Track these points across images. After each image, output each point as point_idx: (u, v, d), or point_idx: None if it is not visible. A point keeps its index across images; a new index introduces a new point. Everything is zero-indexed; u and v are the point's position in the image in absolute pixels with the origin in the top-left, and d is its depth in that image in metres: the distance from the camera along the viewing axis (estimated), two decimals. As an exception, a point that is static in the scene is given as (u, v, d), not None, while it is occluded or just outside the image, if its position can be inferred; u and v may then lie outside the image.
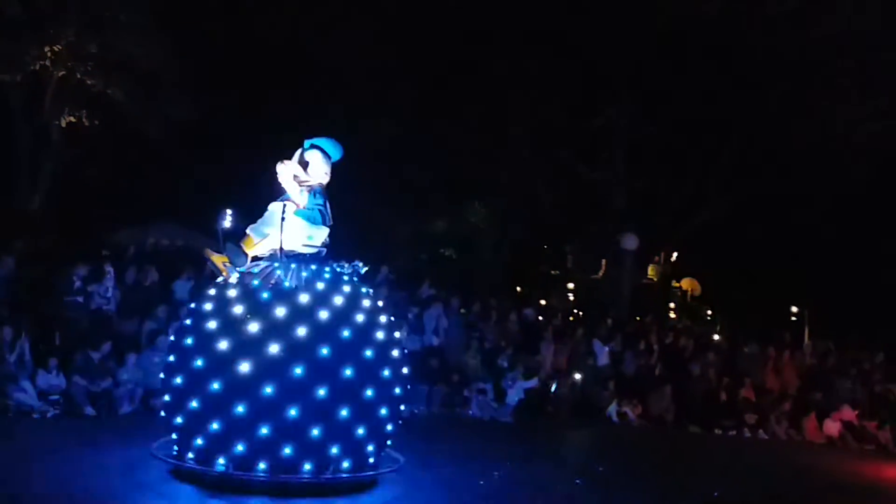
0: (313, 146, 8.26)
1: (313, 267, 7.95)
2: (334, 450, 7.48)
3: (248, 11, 17.75)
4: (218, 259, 8.17)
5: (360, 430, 7.62)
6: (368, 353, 7.70)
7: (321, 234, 8.12)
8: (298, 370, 7.33)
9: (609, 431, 13.63)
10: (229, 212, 8.03)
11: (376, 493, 7.89)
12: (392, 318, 8.39)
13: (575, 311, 20.15)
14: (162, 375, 8.17)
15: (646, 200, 20.20)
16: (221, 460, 7.37)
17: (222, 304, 7.69)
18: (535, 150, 19.85)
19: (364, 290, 8.15)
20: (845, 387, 15.32)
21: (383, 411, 7.81)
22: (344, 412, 7.46)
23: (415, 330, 14.39)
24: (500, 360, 14.52)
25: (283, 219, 7.92)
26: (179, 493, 7.43)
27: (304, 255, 8.03)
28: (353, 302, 7.84)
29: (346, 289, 7.91)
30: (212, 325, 7.61)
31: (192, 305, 8.17)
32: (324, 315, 7.59)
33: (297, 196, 8.11)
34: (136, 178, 18.21)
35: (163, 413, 8.03)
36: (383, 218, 19.79)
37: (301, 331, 7.44)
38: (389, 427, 8.05)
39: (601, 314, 17.57)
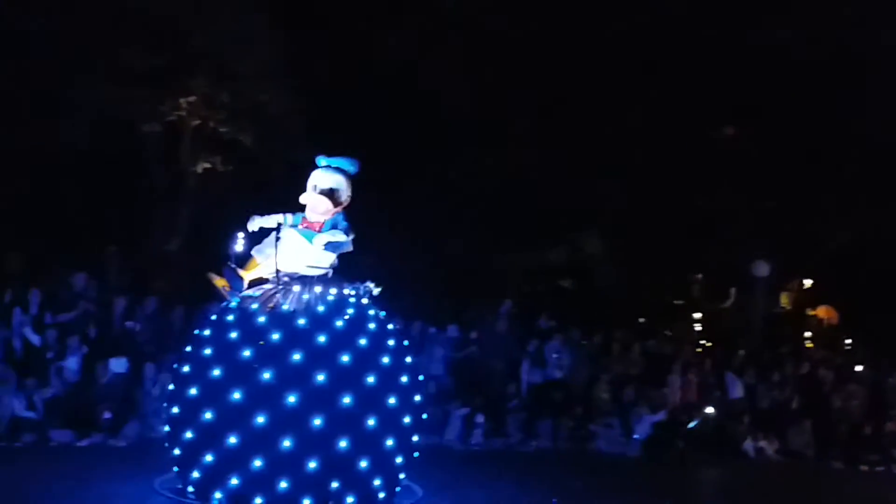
0: (331, 168, 8.02)
1: (318, 289, 7.58)
2: (334, 484, 7.09)
3: (368, 51, 18.30)
4: (219, 283, 7.94)
5: (363, 463, 7.20)
6: (370, 379, 7.29)
7: (329, 256, 7.78)
8: (292, 398, 6.98)
9: (745, 467, 13.02)
10: (241, 235, 8.01)
11: None
12: (403, 343, 7.94)
13: (702, 341, 19.45)
14: (164, 405, 8.10)
15: (777, 225, 19.37)
16: (218, 495, 7.12)
17: (219, 329, 7.49)
18: (652, 176, 19.44)
19: (372, 312, 7.76)
20: None
21: (389, 442, 7.39)
22: (343, 443, 7.07)
23: (536, 363, 14.28)
24: (625, 393, 14.17)
25: (277, 239, 7.64)
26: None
27: (309, 276, 7.69)
28: (356, 326, 7.46)
29: (350, 311, 7.52)
30: (207, 351, 7.40)
31: (195, 331, 7.95)
32: (321, 339, 7.23)
33: (316, 213, 7.82)
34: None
35: (165, 444, 7.85)
36: (501, 250, 19.80)
37: (296, 356, 7.11)
38: (399, 459, 7.59)
39: (732, 345, 16.88)
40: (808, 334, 21.83)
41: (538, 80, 18.40)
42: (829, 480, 12.58)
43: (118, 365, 11.70)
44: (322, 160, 8.10)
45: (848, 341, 22.47)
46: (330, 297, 7.58)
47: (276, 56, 16.96)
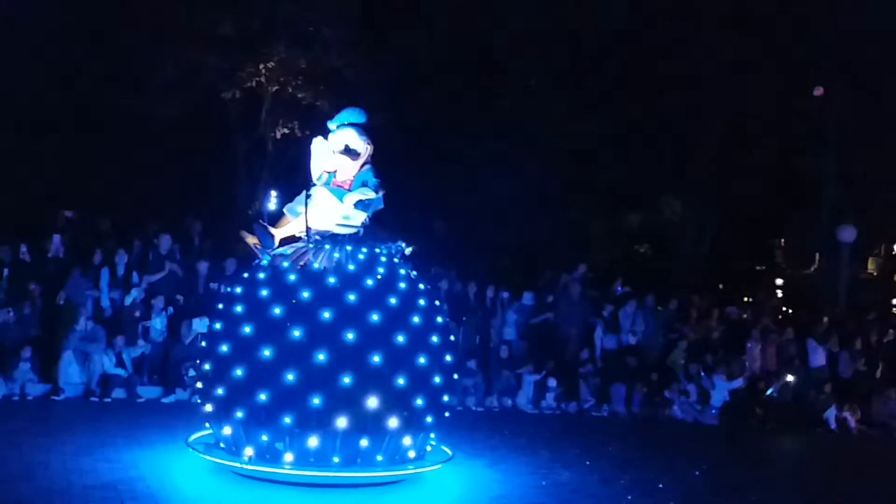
0: (341, 126, 7.97)
1: (349, 248, 7.58)
2: (364, 442, 7.14)
3: (443, 21, 18.23)
4: (251, 240, 7.99)
5: (393, 422, 7.18)
6: (401, 338, 7.24)
7: (360, 215, 7.78)
8: (322, 356, 6.98)
9: (825, 438, 12.71)
10: (274, 193, 8.00)
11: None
12: (435, 303, 7.89)
13: (784, 308, 18.95)
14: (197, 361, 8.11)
15: (864, 188, 18.60)
16: (249, 450, 7.22)
17: (251, 287, 7.50)
18: (738, 138, 18.90)
19: (403, 272, 7.73)
20: None
21: (419, 401, 7.33)
22: (372, 402, 7.05)
23: (611, 328, 14.18)
24: (702, 360, 13.95)
25: (307, 197, 7.64)
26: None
27: (340, 235, 7.69)
28: (387, 285, 7.43)
29: (381, 270, 7.49)
30: (238, 308, 7.43)
31: (227, 289, 7.99)
32: (351, 297, 7.19)
33: (344, 172, 7.82)
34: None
35: (198, 400, 7.93)
36: (577, 215, 19.61)
37: (326, 314, 7.09)
38: (428, 419, 7.54)
39: (815, 312, 16.39)
40: (895, 301, 21.05)
41: (625, 42, 18.04)
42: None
43: (201, 325, 12.12)
44: (331, 123, 8.11)
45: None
46: (361, 256, 7.57)
47: (352, 21, 17.06)
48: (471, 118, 17.84)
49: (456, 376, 8.25)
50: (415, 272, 7.95)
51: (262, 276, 7.55)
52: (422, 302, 7.66)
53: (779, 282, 22.27)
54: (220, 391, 7.34)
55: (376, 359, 7.11)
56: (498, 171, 17.67)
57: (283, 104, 17.42)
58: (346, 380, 7.02)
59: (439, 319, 7.87)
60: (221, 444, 7.56)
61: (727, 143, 19.06)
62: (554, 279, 14.82)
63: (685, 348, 14.07)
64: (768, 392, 13.44)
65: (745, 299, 18.86)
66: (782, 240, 23.76)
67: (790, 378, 13.71)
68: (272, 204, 8.03)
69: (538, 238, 18.11)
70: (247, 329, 7.25)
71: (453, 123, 18.14)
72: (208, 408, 7.57)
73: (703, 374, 13.57)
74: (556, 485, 8.03)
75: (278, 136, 17.61)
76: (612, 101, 18.09)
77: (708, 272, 20.18)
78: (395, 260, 7.84)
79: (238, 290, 7.63)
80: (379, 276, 7.49)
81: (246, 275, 7.79)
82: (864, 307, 17.63)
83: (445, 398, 7.85)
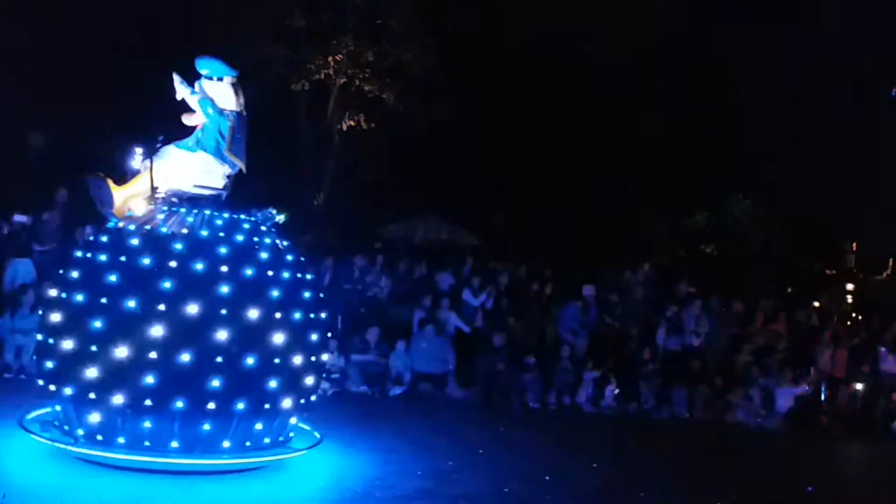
0: (208, 77, 7.28)
1: (207, 212, 6.92)
2: (206, 426, 6.49)
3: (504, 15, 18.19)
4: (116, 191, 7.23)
5: (241, 405, 6.53)
6: (254, 313, 6.58)
7: (221, 174, 7.15)
8: (158, 330, 6.33)
9: (891, 448, 12.31)
10: (139, 150, 7.22)
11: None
12: (305, 277, 7.08)
13: (854, 314, 18.40)
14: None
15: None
16: (81, 430, 6.58)
17: (89, 251, 6.90)
18: (806, 140, 18.42)
19: (269, 240, 7.04)
20: None
21: (273, 384, 6.67)
22: (216, 382, 6.41)
23: (675, 329, 13.97)
24: (768, 364, 13.64)
25: (152, 157, 6.95)
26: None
27: (199, 196, 7.05)
28: (244, 254, 6.75)
29: (240, 238, 6.82)
30: (74, 274, 6.83)
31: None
32: (199, 266, 6.54)
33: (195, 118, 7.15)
34: (405, 175, 19.42)
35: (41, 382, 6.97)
36: (644, 213, 19.40)
37: (166, 284, 6.45)
38: (286, 403, 6.82)
39: (887, 318, 15.88)
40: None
41: (688, 42, 17.76)
42: None
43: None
44: (204, 67, 7.41)
45: None
46: (219, 222, 6.95)
47: (420, 15, 17.16)
48: (536, 115, 17.78)
49: (327, 357, 7.50)
50: (286, 242, 7.24)
51: (103, 239, 6.90)
52: (286, 275, 6.96)
53: (849, 287, 21.62)
54: (49, 364, 6.73)
55: (222, 335, 6.45)
56: (563, 167, 17.60)
57: (350, 96, 17.66)
58: (186, 357, 6.38)
59: (306, 294, 7.12)
60: (56, 423, 6.93)
61: (796, 143, 18.61)
62: (618, 278, 14.68)
63: (750, 352, 13.79)
64: (823, 398, 13.08)
65: (814, 304, 18.39)
66: (854, 244, 23.05)
67: (859, 386, 13.33)
68: (136, 162, 7.00)
69: (603, 236, 17.98)
70: (79, 297, 6.59)
71: (517, 120, 18.13)
72: (40, 382, 6.95)
73: (767, 378, 13.28)
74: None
75: (344, 127, 17.85)
76: (681, 98, 17.82)
77: (776, 274, 19.74)
78: (264, 228, 7.17)
79: (78, 254, 7.00)
80: (238, 245, 6.81)
81: (91, 238, 7.29)
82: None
83: (310, 381, 7.12)
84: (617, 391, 12.96)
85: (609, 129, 18.02)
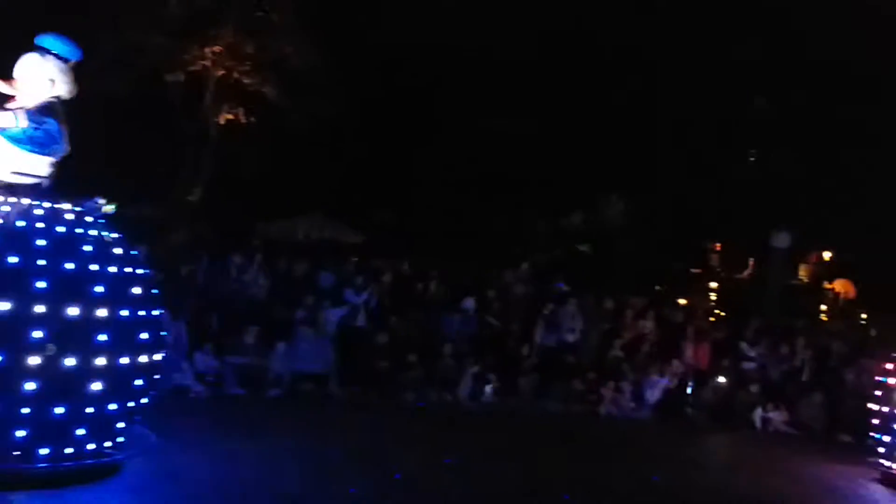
0: (46, 51, 6.84)
1: (26, 202, 6.49)
2: (20, 432, 6.04)
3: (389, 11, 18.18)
4: None
5: (60, 409, 6.11)
6: (74, 311, 6.15)
7: (41, 161, 6.76)
8: None
9: (750, 437, 13.07)
10: None
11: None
12: (132, 270, 6.66)
13: (717, 311, 19.45)
14: None
15: (798, 196, 19.23)
16: None
17: None
18: (680, 142, 19.32)
19: (96, 233, 6.66)
20: None
21: (95, 386, 6.27)
22: (31, 385, 5.98)
23: (551, 326, 14.36)
24: (637, 359, 14.25)
25: None
26: None
27: (17, 185, 6.62)
28: (63, 247, 6.31)
29: (62, 230, 6.41)
30: None
31: None
32: (13, 260, 6.09)
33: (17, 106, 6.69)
34: (286, 172, 19.10)
35: None
36: (523, 213, 19.83)
37: None
38: (112, 406, 6.40)
39: (747, 315, 16.88)
40: (823, 307, 21.73)
41: (560, 49, 18.27)
42: (837, 452, 12.60)
43: None
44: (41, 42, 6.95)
45: (864, 316, 22.42)
46: (39, 212, 6.53)
47: (302, 8, 16.89)
48: (418, 113, 17.86)
49: (160, 357, 6.98)
50: (114, 235, 6.88)
51: None
52: (112, 269, 6.56)
53: (713, 285, 22.80)
54: None
55: (38, 334, 6.04)
56: (446, 166, 17.75)
57: (228, 89, 17.20)
58: None
59: (136, 291, 6.72)
60: None
61: (668, 146, 19.46)
62: (498, 277, 14.96)
63: (621, 347, 14.35)
64: (689, 390, 13.77)
65: (680, 301, 19.29)
66: (718, 244, 24.31)
67: (721, 379, 14.09)
68: None
69: (485, 235, 18.25)
70: None
71: (400, 118, 18.15)
72: None
73: (637, 372, 13.86)
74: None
75: (221, 121, 17.37)
76: (556, 99, 18.29)
77: (646, 273, 20.59)
78: (90, 220, 6.79)
79: None
80: (58, 237, 6.40)
81: None
82: (795, 312, 18.23)
83: (139, 383, 6.74)
84: (496, 386, 13.22)
85: (489, 128, 18.31)
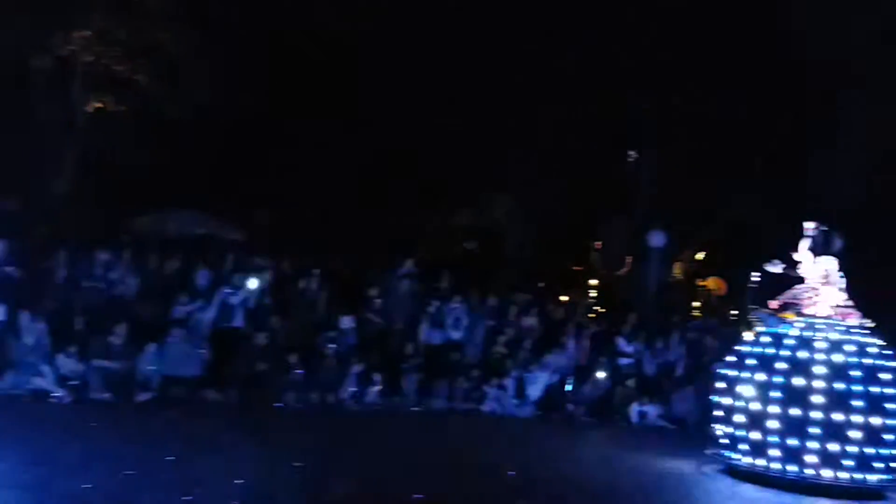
0: None
1: None
2: None
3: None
4: None
5: None
6: None
7: None
8: None
9: (625, 431, 13.37)
10: None
11: None
12: None
13: (597, 307, 19.91)
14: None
15: (675, 197, 19.93)
16: None
17: None
18: (563, 141, 19.64)
19: None
20: None
21: None
22: None
23: (436, 324, 14.27)
24: (520, 355, 14.35)
25: None
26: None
27: None
28: None
29: None
30: None
31: None
32: None
33: None
34: (159, 164, 18.24)
35: None
36: (407, 209, 19.65)
37: None
38: None
39: (625, 312, 17.34)
40: (696, 304, 22.62)
41: (450, 43, 18.21)
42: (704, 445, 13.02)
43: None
44: None
45: (734, 312, 23.49)
46: None
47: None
48: (303, 106, 17.39)
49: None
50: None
51: None
52: None
53: (593, 282, 23.37)
54: None
55: None
56: (327, 161, 17.36)
57: (98, 76, 16.28)
58: None
59: None
60: None
61: (552, 145, 19.74)
62: (383, 274, 14.74)
63: (504, 343, 14.43)
64: (568, 387, 13.98)
65: (562, 297, 19.64)
66: (598, 243, 24.92)
67: (599, 374, 14.38)
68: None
69: (370, 232, 17.99)
70: None
71: (283, 110, 17.64)
72: None
73: (520, 369, 13.97)
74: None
75: (90, 109, 16.41)
76: (442, 95, 18.23)
77: (530, 271, 20.87)
78: None
79: None
80: None
81: None
82: (669, 309, 18.87)
83: None
84: (380, 387, 13.01)
85: (378, 124, 18.05)
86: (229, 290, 12.79)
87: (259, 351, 12.39)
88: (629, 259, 22.99)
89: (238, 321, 12.78)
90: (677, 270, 24.22)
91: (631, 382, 14.38)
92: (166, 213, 17.30)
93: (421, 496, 7.32)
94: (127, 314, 12.11)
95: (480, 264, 20.48)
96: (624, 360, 14.98)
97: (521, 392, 13.84)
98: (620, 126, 20.14)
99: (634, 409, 14.08)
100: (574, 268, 24.36)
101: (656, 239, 19.52)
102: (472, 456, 9.89)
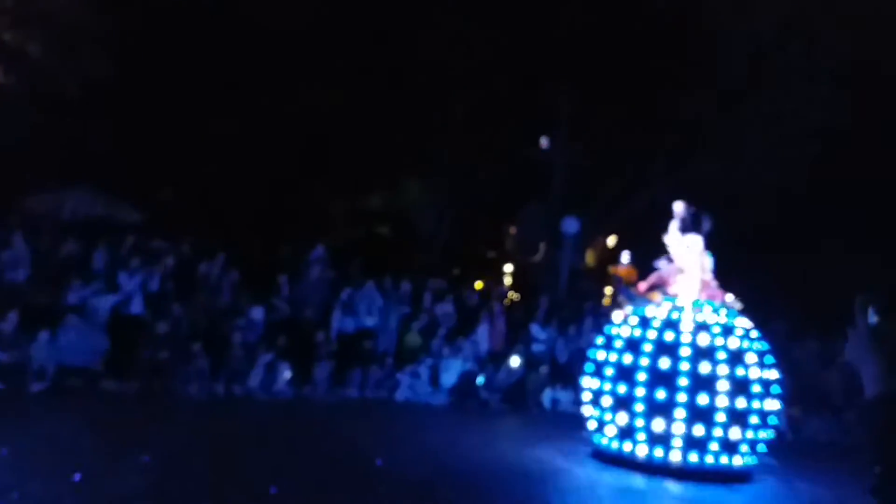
0: None
1: None
2: None
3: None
4: None
5: None
6: None
7: None
8: None
9: (537, 417, 13.38)
10: None
11: None
12: None
13: (512, 294, 19.90)
14: None
15: (588, 183, 20.09)
16: None
17: None
18: (476, 126, 19.48)
19: None
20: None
21: None
22: None
23: (349, 311, 13.93)
24: (434, 342, 14.17)
25: None
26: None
27: None
28: None
29: None
30: None
31: None
32: None
33: None
34: (52, 140, 17.17)
35: None
36: (315, 192, 19.12)
37: None
38: None
39: (538, 298, 17.37)
40: (607, 290, 22.91)
41: (367, 19, 17.75)
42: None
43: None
44: None
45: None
46: None
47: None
48: (205, 81, 16.62)
49: None
50: None
51: None
52: None
53: (508, 268, 23.38)
54: None
55: None
56: (234, 141, 16.68)
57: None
58: None
59: None
60: None
61: (466, 129, 19.55)
62: (292, 259, 14.28)
63: (419, 330, 14.22)
64: (483, 375, 13.87)
65: (477, 284, 19.55)
66: (513, 228, 24.96)
67: (514, 360, 14.33)
68: None
69: (279, 215, 17.43)
70: None
71: (185, 86, 16.82)
72: None
73: (434, 356, 13.79)
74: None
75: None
76: (354, 75, 17.78)
77: (445, 256, 20.70)
78: None
79: None
80: None
81: None
82: (582, 295, 19.01)
83: None
84: (290, 376, 12.61)
85: (283, 100, 17.42)
86: (127, 275, 12.13)
87: (160, 339, 11.80)
88: (543, 245, 23.10)
89: (137, 308, 12.14)
90: (589, 257, 24.49)
91: (544, 369, 14.41)
92: (61, 193, 16.29)
93: (275, 490, 7.06)
94: (18, 300, 11.35)
95: (394, 250, 20.18)
96: (537, 347, 15.00)
97: (435, 380, 13.67)
98: (535, 111, 20.10)
99: (548, 395, 14.11)
100: (489, 254, 24.34)
101: (569, 225, 19.62)
102: (352, 445, 9.61)
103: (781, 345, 15.96)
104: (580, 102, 19.45)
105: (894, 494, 4.49)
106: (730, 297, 10.38)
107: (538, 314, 15.74)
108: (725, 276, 10.64)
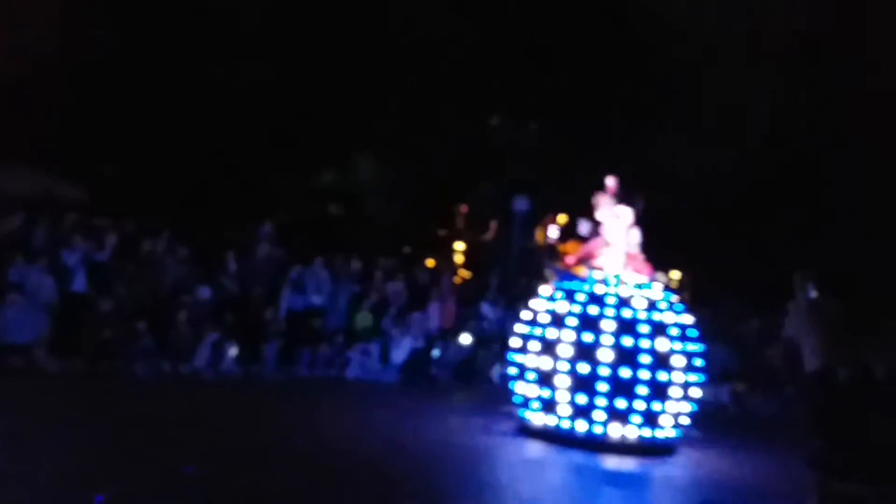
0: None
1: None
2: None
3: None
4: None
5: None
6: None
7: None
8: None
9: (489, 392, 13.47)
10: None
11: None
12: None
13: (463, 271, 19.96)
14: None
15: (538, 162, 20.19)
16: None
17: None
18: (427, 104, 19.40)
19: None
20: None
21: None
22: None
23: (298, 289, 13.82)
24: (385, 320, 14.16)
25: None
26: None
27: None
28: None
29: None
30: None
31: None
32: None
33: None
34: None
35: None
36: (263, 168, 18.84)
37: None
38: None
39: (489, 276, 17.45)
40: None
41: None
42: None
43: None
44: None
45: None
46: None
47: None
48: (150, 53, 16.22)
49: None
50: None
51: None
52: None
53: (459, 246, 23.41)
54: None
55: None
56: (180, 114, 16.32)
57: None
58: None
59: None
60: None
61: (417, 107, 19.47)
62: (239, 236, 14.09)
63: (369, 308, 14.19)
64: (435, 352, 13.93)
65: (427, 261, 19.55)
66: (464, 206, 24.96)
67: (464, 338, 14.41)
68: None
69: (226, 191, 17.16)
70: None
71: (130, 58, 16.40)
72: None
73: (384, 334, 13.79)
74: None
75: None
76: (302, 49, 17.52)
77: (395, 234, 20.64)
78: None
79: None
80: None
81: None
82: (532, 273, 19.14)
83: None
84: (237, 354, 12.48)
85: (229, 74, 17.10)
86: (69, 252, 11.84)
87: (104, 317, 11.56)
88: (494, 223, 23.17)
89: (80, 286, 11.87)
90: (539, 236, 24.65)
91: (494, 346, 14.51)
92: (-1, 169, 15.79)
93: (191, 469, 6.91)
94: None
95: (344, 227, 20.06)
96: (487, 325, 15.09)
97: (385, 357, 13.67)
98: (486, 89, 20.09)
99: (497, 371, 14.22)
100: (440, 232, 24.32)
101: (520, 203, 19.72)
102: (298, 423, 9.52)
103: (726, 323, 16.43)
104: (531, 81, 19.50)
105: (832, 466, 4.61)
106: (666, 275, 10.46)
107: (489, 292, 15.83)
108: (673, 258, 10.73)
